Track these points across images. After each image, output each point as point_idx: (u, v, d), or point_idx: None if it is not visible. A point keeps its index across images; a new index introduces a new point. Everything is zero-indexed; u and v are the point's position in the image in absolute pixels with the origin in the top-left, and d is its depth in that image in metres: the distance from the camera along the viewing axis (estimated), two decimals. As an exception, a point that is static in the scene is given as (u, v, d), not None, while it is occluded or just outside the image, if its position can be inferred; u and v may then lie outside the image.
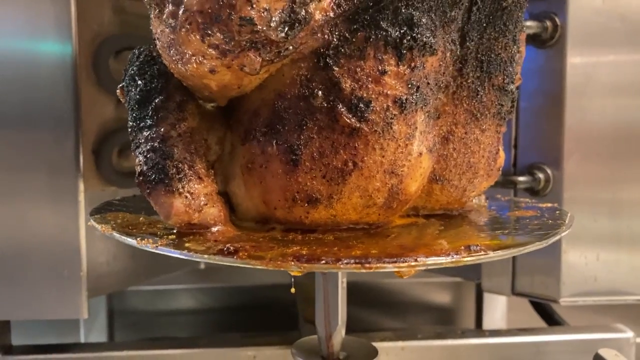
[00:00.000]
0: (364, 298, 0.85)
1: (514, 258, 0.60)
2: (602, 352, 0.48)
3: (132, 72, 0.38)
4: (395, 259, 0.30)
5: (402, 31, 0.32)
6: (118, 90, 0.39)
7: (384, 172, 0.34)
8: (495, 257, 0.32)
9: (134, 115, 0.37)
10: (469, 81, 0.37)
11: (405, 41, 0.32)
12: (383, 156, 0.34)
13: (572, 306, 0.58)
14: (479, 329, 0.78)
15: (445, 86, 0.36)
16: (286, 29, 0.31)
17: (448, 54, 0.35)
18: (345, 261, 0.30)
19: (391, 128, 0.33)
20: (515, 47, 0.38)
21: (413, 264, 0.30)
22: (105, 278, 0.61)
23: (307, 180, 0.34)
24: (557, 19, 0.55)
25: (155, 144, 0.35)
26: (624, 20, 0.55)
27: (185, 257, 0.32)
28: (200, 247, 0.32)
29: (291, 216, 0.35)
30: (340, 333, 0.42)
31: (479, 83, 0.37)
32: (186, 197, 0.35)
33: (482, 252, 0.31)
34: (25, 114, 0.50)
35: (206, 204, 0.35)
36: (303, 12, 0.31)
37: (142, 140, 0.36)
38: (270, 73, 0.34)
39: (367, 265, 0.30)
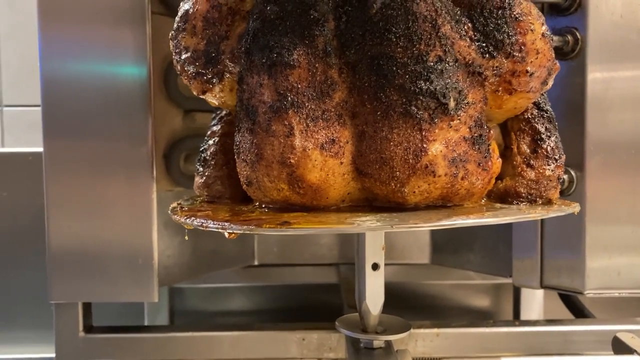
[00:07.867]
0: (404, 301, 0.90)
1: (541, 254, 0.64)
2: (620, 335, 0.52)
3: None
4: (250, 225, 0.40)
5: (263, 53, 0.41)
6: None
7: (277, 162, 0.42)
8: (305, 232, 0.41)
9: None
10: (366, 84, 0.41)
11: (265, 60, 0.41)
12: (272, 150, 0.42)
13: (598, 298, 0.62)
14: (510, 320, 0.82)
15: (349, 90, 0.42)
16: (206, 62, 0.44)
17: (319, 65, 0.41)
18: (233, 226, 0.41)
19: (271, 127, 0.41)
20: (420, 46, 0.40)
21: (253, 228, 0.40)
22: (171, 269, 0.69)
23: (242, 168, 0.44)
24: (577, 33, 0.60)
25: (203, 143, 0.51)
26: (641, 33, 0.60)
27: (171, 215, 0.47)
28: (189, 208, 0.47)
29: (250, 194, 0.45)
30: (377, 310, 0.48)
31: (377, 85, 0.41)
32: (202, 177, 0.49)
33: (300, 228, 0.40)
34: (107, 125, 0.58)
35: (213, 183, 0.49)
36: (214, 51, 0.44)
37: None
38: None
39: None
